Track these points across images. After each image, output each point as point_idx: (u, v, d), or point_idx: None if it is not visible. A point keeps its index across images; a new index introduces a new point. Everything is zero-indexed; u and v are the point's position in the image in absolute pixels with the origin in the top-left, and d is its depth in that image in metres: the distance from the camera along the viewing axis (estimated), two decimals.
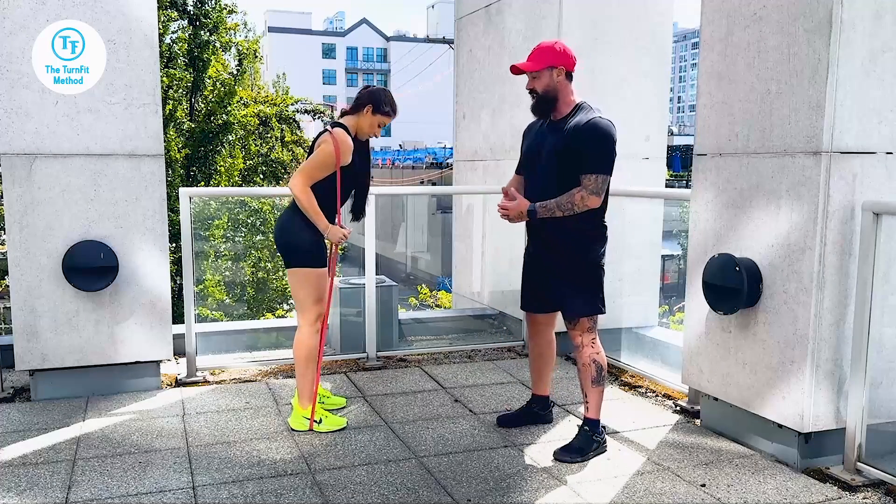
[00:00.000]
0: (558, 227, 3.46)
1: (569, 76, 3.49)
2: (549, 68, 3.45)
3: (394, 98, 3.79)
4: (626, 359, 5.00)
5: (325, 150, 3.64)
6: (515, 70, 3.53)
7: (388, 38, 79.15)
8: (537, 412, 3.94)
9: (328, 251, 3.86)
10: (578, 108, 3.48)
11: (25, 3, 3.93)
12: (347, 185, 3.76)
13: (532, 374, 3.97)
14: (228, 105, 16.98)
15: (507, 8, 5.67)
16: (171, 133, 15.40)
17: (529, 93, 3.55)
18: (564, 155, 3.42)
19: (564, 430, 3.83)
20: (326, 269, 3.78)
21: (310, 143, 3.85)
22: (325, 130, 3.72)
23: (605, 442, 3.61)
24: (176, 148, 15.50)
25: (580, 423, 3.67)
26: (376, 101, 3.72)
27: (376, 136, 3.84)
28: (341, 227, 3.77)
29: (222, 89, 17.04)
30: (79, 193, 4.12)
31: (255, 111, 19.39)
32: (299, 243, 3.72)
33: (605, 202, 3.49)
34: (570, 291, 3.52)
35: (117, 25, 4.09)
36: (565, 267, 3.51)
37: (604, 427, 3.65)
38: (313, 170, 3.64)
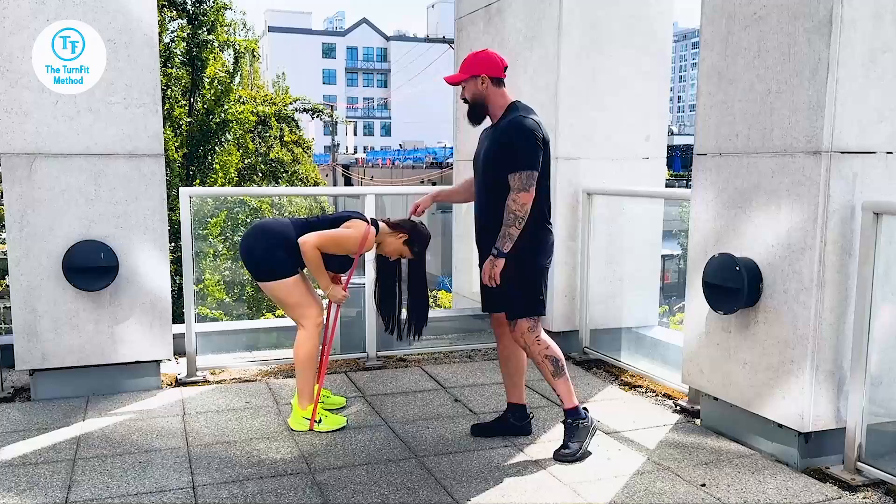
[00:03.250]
0: (500, 228, 3.41)
1: (497, 81, 3.52)
2: (472, 77, 3.52)
3: (427, 245, 3.93)
4: (626, 359, 5.00)
5: (352, 234, 3.75)
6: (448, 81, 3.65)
7: (388, 38, 79.21)
8: (513, 423, 3.77)
9: (326, 310, 3.99)
10: (509, 109, 3.51)
11: (25, 3, 3.93)
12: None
13: (504, 381, 3.83)
14: (226, 103, 16.97)
15: (507, 8, 5.67)
16: (169, 132, 15.38)
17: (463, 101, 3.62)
18: (493, 158, 3.48)
19: None
20: (298, 274, 3.82)
21: (338, 213, 3.99)
22: (364, 219, 3.85)
23: (593, 424, 3.55)
24: (174, 147, 15.49)
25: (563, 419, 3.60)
26: (413, 237, 3.88)
27: (390, 258, 3.96)
28: (344, 289, 3.90)
29: (220, 88, 17.03)
30: (79, 193, 4.12)
31: (252, 109, 19.38)
32: (272, 258, 3.75)
33: (547, 201, 3.48)
34: (510, 293, 3.47)
35: (117, 25, 4.09)
36: (507, 268, 3.42)
37: (585, 409, 3.57)
38: (329, 242, 3.72)
